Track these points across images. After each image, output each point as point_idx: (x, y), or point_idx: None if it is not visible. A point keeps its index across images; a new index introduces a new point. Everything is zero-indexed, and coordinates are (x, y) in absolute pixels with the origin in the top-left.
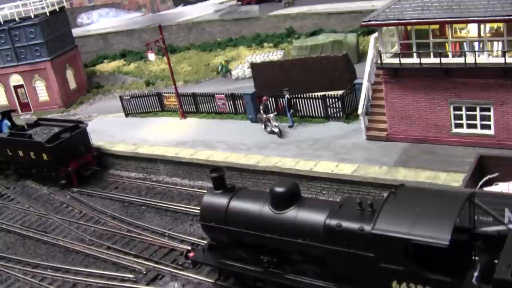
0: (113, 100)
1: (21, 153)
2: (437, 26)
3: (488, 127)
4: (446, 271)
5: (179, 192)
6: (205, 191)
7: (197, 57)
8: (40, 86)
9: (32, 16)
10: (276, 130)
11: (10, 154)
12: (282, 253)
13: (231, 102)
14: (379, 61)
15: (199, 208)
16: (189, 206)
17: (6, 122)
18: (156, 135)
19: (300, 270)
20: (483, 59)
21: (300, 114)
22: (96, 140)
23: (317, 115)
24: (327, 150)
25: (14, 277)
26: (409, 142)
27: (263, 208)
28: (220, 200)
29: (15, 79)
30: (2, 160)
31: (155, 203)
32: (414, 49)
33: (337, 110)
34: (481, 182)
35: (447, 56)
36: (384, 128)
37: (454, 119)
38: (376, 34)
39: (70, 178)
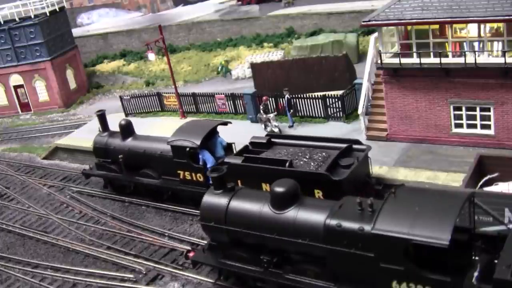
0: (113, 100)
1: (266, 187)
2: (437, 26)
3: (488, 127)
4: (446, 271)
5: None
6: None
7: (197, 57)
8: (40, 86)
9: (32, 16)
10: (276, 130)
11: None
12: (282, 253)
13: (231, 102)
14: (379, 61)
15: (199, 208)
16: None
17: (221, 140)
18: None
19: (300, 270)
20: (483, 59)
21: (300, 114)
22: None
23: (317, 115)
24: None
25: (14, 277)
26: (409, 142)
27: (263, 208)
28: (220, 200)
29: (15, 79)
30: None
31: (155, 203)
32: (414, 49)
33: (337, 110)
34: (481, 182)
35: (447, 56)
36: (384, 128)
37: (454, 119)
38: (376, 34)
39: None
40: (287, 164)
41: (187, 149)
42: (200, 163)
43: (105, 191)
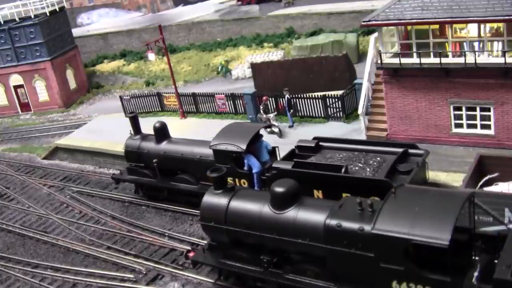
0: (113, 100)
1: (318, 194)
2: (437, 26)
3: (488, 127)
4: (446, 271)
5: None
6: None
7: (197, 57)
8: (40, 86)
9: (32, 16)
10: (276, 130)
11: None
12: (282, 253)
13: (231, 102)
14: (379, 61)
15: (199, 208)
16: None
17: (266, 144)
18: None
19: (300, 270)
20: (483, 59)
21: (300, 114)
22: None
23: (317, 115)
24: None
25: (14, 277)
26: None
27: (263, 208)
28: (220, 200)
29: (15, 79)
30: None
31: (155, 203)
32: (414, 49)
33: (337, 110)
34: (481, 182)
35: (447, 56)
36: (384, 128)
37: (454, 119)
38: (376, 34)
39: None
40: (343, 170)
41: (231, 153)
42: (245, 168)
43: (104, 191)
